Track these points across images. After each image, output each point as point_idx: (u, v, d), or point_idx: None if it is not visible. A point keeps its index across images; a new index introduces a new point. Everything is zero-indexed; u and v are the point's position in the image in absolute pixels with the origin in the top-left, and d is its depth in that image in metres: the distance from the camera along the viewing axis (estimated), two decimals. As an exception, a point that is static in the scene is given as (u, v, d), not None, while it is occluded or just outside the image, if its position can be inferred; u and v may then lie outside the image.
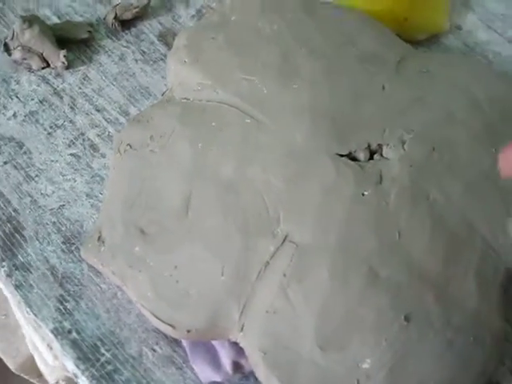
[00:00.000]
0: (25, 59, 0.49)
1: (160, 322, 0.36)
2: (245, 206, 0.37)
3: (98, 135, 0.47)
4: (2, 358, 0.96)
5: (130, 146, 0.40)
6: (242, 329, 0.35)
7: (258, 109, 0.40)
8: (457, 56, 0.49)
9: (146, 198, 0.38)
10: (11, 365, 0.95)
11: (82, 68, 0.50)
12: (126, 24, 0.52)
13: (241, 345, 0.36)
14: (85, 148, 0.46)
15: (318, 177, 0.37)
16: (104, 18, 0.52)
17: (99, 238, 0.38)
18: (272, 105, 0.40)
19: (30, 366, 0.95)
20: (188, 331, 0.35)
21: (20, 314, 0.45)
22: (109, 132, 0.47)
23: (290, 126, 0.39)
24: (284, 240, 0.36)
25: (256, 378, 0.39)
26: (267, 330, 0.35)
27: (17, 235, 0.43)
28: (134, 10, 0.51)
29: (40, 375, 0.98)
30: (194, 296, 0.36)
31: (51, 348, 0.45)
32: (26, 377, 0.99)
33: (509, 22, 0.55)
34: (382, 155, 0.38)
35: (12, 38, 0.49)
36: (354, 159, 0.38)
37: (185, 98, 0.42)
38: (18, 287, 0.41)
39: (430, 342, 0.35)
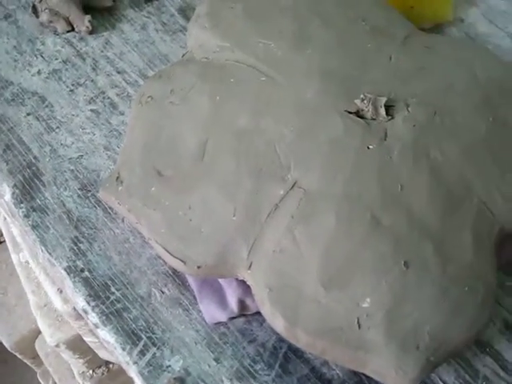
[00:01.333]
0: (51, 22, 0.52)
1: (172, 258, 0.38)
2: (257, 153, 0.39)
3: (118, 94, 0.49)
4: (-3, 335, 0.97)
5: (151, 98, 0.42)
6: (249, 267, 0.37)
7: (273, 68, 0.42)
8: (460, 39, 0.52)
9: (165, 144, 0.40)
10: (6, 342, 0.96)
11: (104, 34, 0.53)
12: (148, -4, 0.55)
13: (248, 282, 0.38)
14: (105, 105, 0.49)
15: (326, 130, 0.39)
16: (128, -10, 0.55)
17: (117, 178, 0.40)
18: (286, 65, 0.43)
19: (26, 345, 0.97)
20: (198, 267, 0.37)
21: (31, 260, 0.46)
22: (128, 92, 0.49)
23: (302, 84, 0.41)
24: (293, 185, 0.38)
25: (258, 323, 0.41)
26: (274, 268, 0.37)
27: (36, 180, 0.45)
28: (157, -16, 0.54)
29: (35, 356, 0.99)
30: (206, 234, 0.38)
31: (61, 291, 0.47)
32: (20, 356, 1.00)
33: (509, 18, 0.58)
34: (387, 114, 0.41)
35: (40, 1, 0.51)
36: (361, 117, 0.40)
37: (205, 58, 0.44)
38: (34, 227, 0.43)
39: (427, 288, 0.36)
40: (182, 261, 0.38)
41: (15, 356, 0.98)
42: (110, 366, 0.76)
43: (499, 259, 0.41)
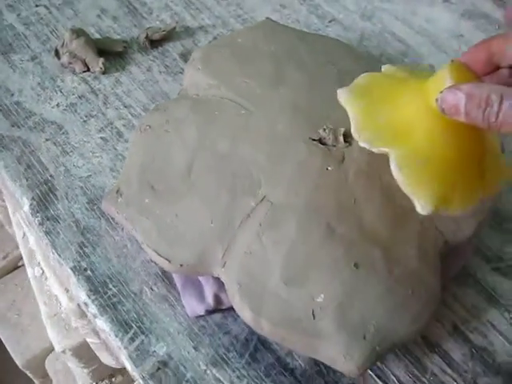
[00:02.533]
0: (70, 63, 0.61)
1: (160, 257, 0.45)
2: (234, 173, 0.47)
3: (124, 125, 0.58)
4: (11, 354, 1.04)
5: (150, 127, 0.50)
6: (224, 265, 0.44)
7: (252, 103, 0.50)
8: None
9: (158, 164, 0.48)
10: (19, 361, 1.03)
11: (115, 74, 0.61)
12: (154, 43, 0.64)
13: (222, 279, 0.44)
14: (112, 134, 0.57)
15: (293, 154, 0.47)
16: (137, 38, 0.64)
17: (117, 191, 0.48)
18: (262, 101, 0.50)
19: (36, 363, 1.03)
20: (181, 265, 0.44)
21: (43, 263, 0.53)
22: (133, 124, 0.58)
23: (275, 117, 0.49)
24: (262, 199, 0.45)
25: (233, 319, 0.48)
26: (243, 267, 0.44)
27: (50, 194, 0.53)
28: (162, 33, 0.63)
29: (45, 375, 1.05)
30: (189, 238, 0.45)
31: (67, 291, 0.54)
32: (30, 375, 1.06)
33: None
34: (345, 142, 0.48)
35: (62, 45, 0.60)
36: (323, 144, 0.48)
37: (196, 94, 0.53)
38: (47, 233, 0.51)
39: (375, 286, 0.43)
40: (168, 260, 0.45)
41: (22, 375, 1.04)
42: (113, 379, 0.82)
43: (449, 269, 0.48)
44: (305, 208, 0.45)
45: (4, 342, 1.04)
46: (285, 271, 0.43)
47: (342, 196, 0.46)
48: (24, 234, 0.69)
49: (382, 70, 0.46)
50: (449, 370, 0.46)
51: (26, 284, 1.10)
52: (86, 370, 0.76)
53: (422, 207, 0.38)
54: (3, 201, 0.94)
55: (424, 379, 0.46)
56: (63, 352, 0.69)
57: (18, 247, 1.10)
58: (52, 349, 1.00)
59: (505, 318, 0.49)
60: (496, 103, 0.32)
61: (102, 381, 0.82)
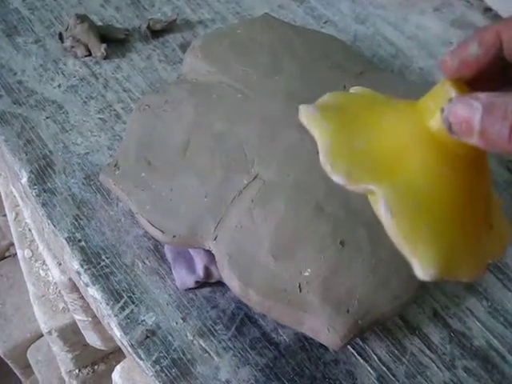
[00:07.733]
0: (73, 47, 0.62)
1: (153, 228, 0.46)
2: (229, 151, 0.48)
3: (123, 108, 0.59)
4: (-7, 341, 1.04)
5: (148, 106, 0.52)
6: (215, 238, 0.46)
7: (248, 88, 0.52)
8: (407, 80, 0.63)
9: (155, 140, 0.50)
10: (0, 349, 1.03)
11: (116, 60, 0.63)
12: (155, 33, 0.66)
13: (213, 251, 0.46)
14: (111, 115, 0.59)
15: (285, 137, 0.49)
16: (139, 27, 0.66)
17: (115, 165, 0.49)
18: (258, 87, 0.53)
19: (18, 353, 1.03)
20: (173, 236, 0.46)
21: (37, 237, 0.54)
22: (131, 107, 0.59)
23: (270, 102, 0.51)
24: (255, 177, 0.47)
25: (221, 293, 0.49)
26: (234, 240, 0.45)
27: (48, 169, 0.54)
28: (163, 24, 0.65)
29: (25, 366, 1.06)
30: (182, 210, 0.46)
31: (60, 264, 0.55)
32: (11, 365, 1.06)
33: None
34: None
35: (66, 30, 0.62)
36: (315, 129, 0.50)
37: (194, 79, 0.55)
38: (43, 205, 0.52)
39: (359, 263, 0.44)
40: (161, 231, 0.46)
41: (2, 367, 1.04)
42: (96, 366, 0.83)
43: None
44: (295, 187, 0.47)
45: (-14, 330, 1.04)
46: (273, 245, 0.45)
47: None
48: (16, 216, 0.70)
49: (351, 90, 0.38)
50: (428, 352, 0.48)
51: (11, 275, 1.10)
52: (69, 355, 0.76)
53: (423, 272, 0.29)
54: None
55: (404, 359, 0.47)
56: (49, 333, 0.70)
57: (4, 238, 1.11)
58: (34, 339, 1.01)
59: (483, 306, 0.51)
60: None
61: (85, 368, 0.82)
